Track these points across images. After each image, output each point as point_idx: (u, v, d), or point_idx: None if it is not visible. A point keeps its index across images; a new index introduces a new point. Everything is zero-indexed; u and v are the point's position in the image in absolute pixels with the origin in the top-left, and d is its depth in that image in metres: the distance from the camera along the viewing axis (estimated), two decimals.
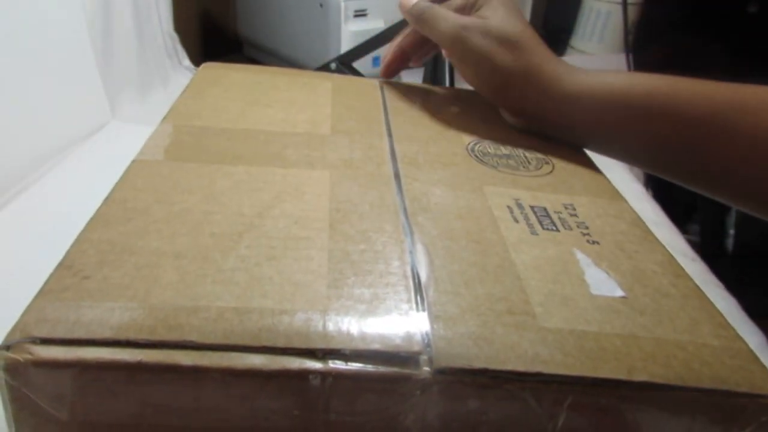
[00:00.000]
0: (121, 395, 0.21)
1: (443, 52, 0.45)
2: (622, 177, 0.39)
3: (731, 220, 0.95)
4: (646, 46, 1.20)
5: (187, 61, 0.98)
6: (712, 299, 0.28)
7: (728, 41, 1.20)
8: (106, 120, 0.74)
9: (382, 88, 0.47)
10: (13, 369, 0.20)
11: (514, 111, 0.42)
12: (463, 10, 0.43)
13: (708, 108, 0.35)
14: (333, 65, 0.94)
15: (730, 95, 0.35)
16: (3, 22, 0.60)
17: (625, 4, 1.10)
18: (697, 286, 0.29)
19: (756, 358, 0.24)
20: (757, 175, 0.34)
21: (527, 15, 1.25)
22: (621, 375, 0.22)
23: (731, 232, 0.95)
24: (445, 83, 0.83)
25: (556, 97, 0.39)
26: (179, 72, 0.95)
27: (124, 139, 0.67)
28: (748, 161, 0.34)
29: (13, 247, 0.51)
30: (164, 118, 0.38)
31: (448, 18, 0.42)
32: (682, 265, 0.30)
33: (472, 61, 0.41)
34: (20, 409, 0.21)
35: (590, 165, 0.39)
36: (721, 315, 0.27)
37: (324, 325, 0.22)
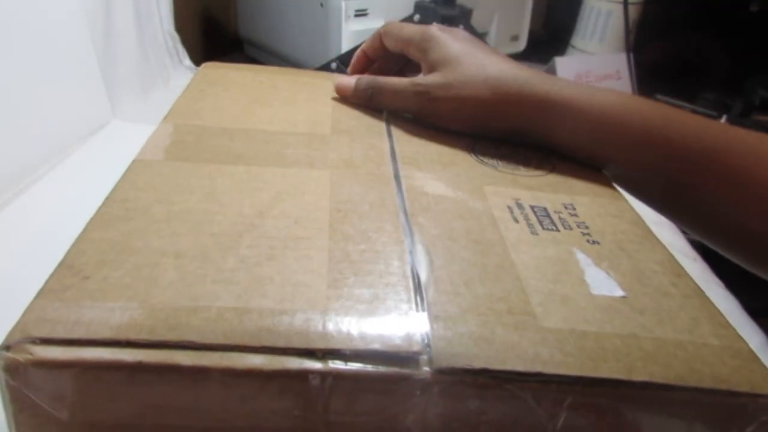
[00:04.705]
0: (122, 395, 0.21)
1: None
2: None
3: None
4: (647, 45, 1.20)
5: (187, 61, 0.98)
6: (712, 299, 0.28)
7: (729, 40, 1.20)
8: (107, 119, 0.74)
9: None
10: (13, 369, 0.20)
11: (501, 134, 0.40)
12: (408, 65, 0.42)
13: (698, 145, 0.34)
14: (333, 65, 0.94)
15: (719, 135, 0.34)
16: (3, 22, 0.60)
17: (626, 4, 1.09)
18: (698, 286, 0.28)
19: (756, 358, 0.24)
20: (746, 218, 0.34)
21: (527, 15, 1.24)
22: (621, 375, 0.22)
23: None
24: None
25: (547, 113, 0.37)
26: (180, 71, 0.95)
27: (125, 139, 0.67)
28: (738, 203, 0.34)
29: (13, 247, 0.51)
30: (165, 117, 0.38)
31: (398, 90, 0.41)
32: (683, 264, 0.30)
33: (447, 111, 0.39)
34: (21, 409, 0.21)
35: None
36: (722, 315, 0.27)
37: (324, 325, 0.22)
